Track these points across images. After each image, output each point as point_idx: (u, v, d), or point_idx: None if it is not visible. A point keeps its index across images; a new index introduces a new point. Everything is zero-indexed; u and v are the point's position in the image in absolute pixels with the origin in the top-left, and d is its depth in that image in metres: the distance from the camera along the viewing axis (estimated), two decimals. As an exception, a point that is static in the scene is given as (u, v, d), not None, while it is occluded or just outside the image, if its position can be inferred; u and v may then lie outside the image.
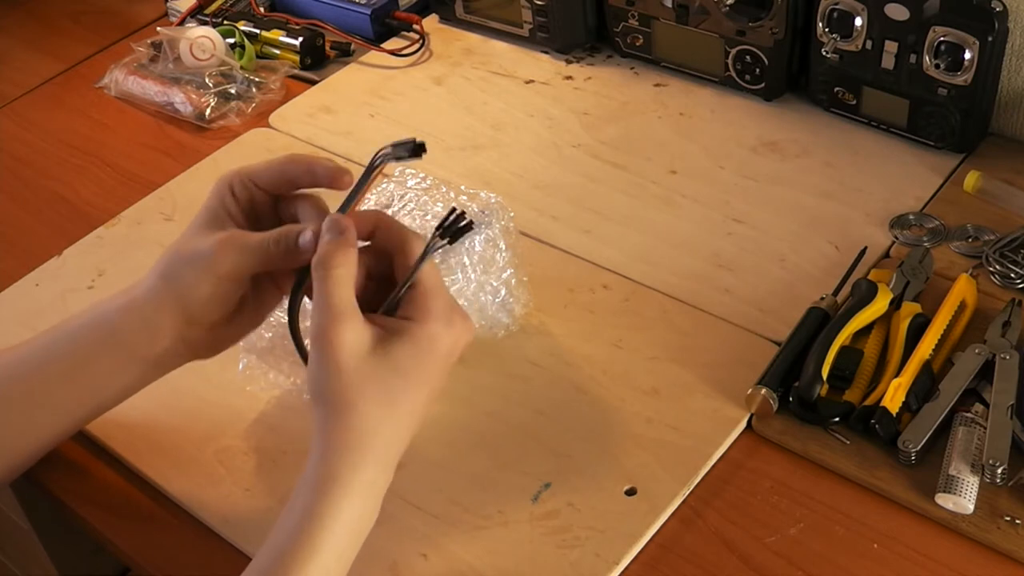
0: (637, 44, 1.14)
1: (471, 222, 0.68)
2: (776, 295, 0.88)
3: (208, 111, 1.15)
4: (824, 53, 1.01)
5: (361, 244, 0.69)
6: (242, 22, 1.24)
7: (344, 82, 1.20)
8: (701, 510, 0.74)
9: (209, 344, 0.74)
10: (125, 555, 0.77)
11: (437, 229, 0.68)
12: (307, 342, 0.67)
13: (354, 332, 0.65)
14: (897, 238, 0.92)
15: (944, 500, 0.71)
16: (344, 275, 0.66)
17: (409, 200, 0.84)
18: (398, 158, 0.68)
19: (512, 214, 0.82)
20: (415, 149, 0.67)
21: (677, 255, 0.93)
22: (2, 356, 0.75)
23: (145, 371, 0.74)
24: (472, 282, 0.79)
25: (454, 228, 0.68)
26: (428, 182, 0.85)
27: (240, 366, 0.81)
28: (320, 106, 1.16)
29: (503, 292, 0.83)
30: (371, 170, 0.69)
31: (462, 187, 0.84)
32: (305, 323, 0.68)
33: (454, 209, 0.69)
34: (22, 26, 1.40)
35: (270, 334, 0.79)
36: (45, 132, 1.19)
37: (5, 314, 0.95)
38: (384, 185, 0.86)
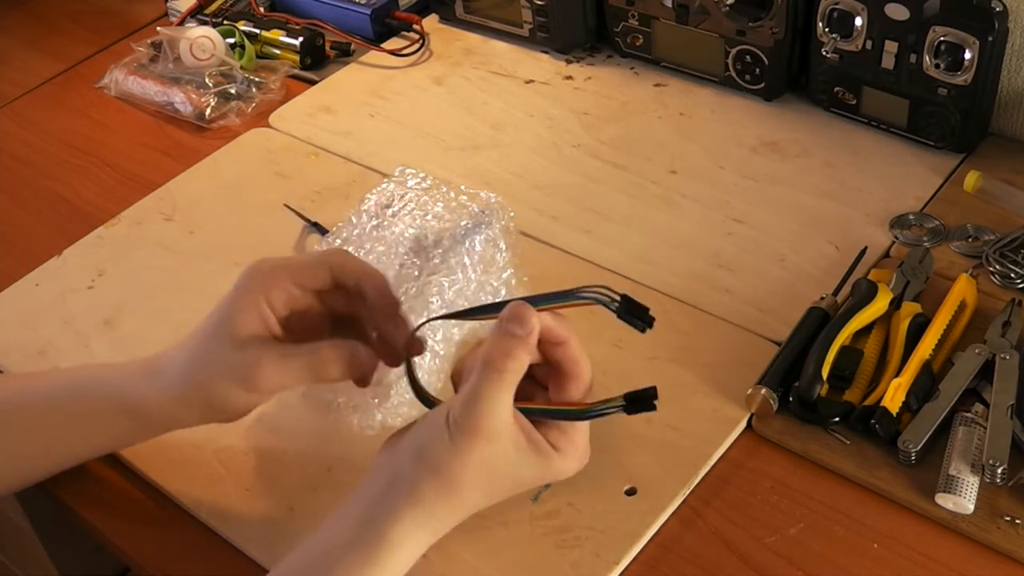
0: (637, 44, 1.14)
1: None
2: (776, 295, 0.88)
3: (208, 111, 1.15)
4: (824, 53, 1.01)
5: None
6: (242, 22, 1.24)
7: (344, 82, 1.20)
8: (701, 510, 0.74)
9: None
10: (125, 555, 0.77)
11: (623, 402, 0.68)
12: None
13: (500, 436, 0.65)
14: (897, 238, 0.92)
15: (944, 500, 0.71)
16: (513, 380, 0.64)
17: (409, 200, 0.84)
18: (620, 316, 0.69)
19: (512, 214, 0.82)
20: (640, 325, 0.69)
21: (677, 255, 0.93)
22: (20, 381, 0.77)
23: (152, 435, 0.76)
24: (472, 282, 0.79)
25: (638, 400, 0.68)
26: (428, 182, 0.85)
27: None
28: (320, 106, 1.16)
29: (503, 292, 0.83)
30: (573, 296, 0.68)
31: (462, 187, 0.84)
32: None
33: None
34: (22, 26, 1.40)
35: None
36: (45, 132, 1.19)
37: (5, 314, 0.95)
38: (384, 185, 0.86)
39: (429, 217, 0.82)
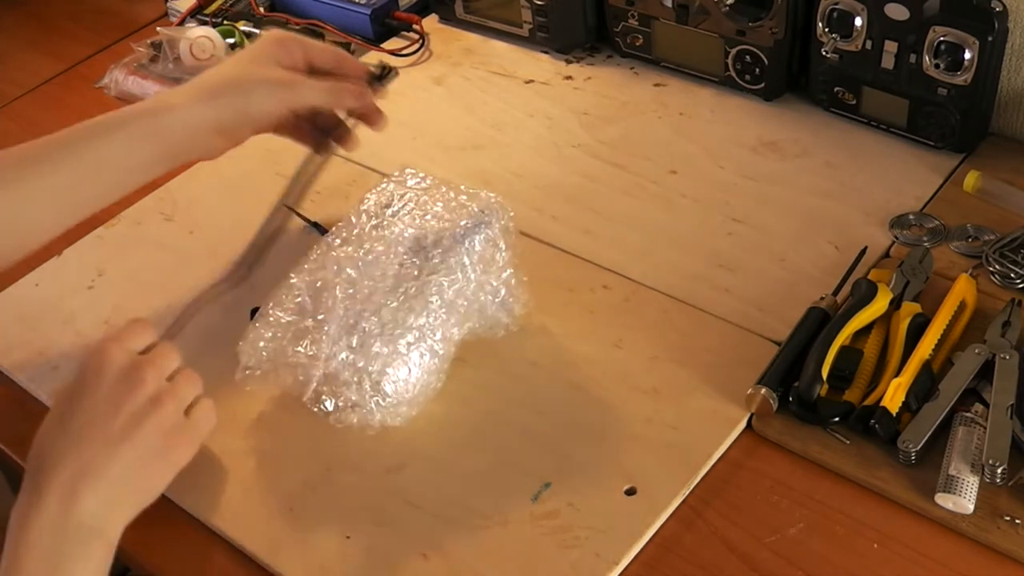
0: (637, 44, 1.14)
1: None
2: (776, 295, 0.88)
3: (208, 111, 1.15)
4: (824, 53, 1.01)
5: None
6: (242, 22, 1.24)
7: (344, 82, 1.20)
8: (701, 510, 0.74)
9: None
10: (125, 555, 0.77)
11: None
12: None
13: None
14: (897, 238, 0.92)
15: (944, 500, 0.71)
16: None
17: (409, 200, 0.84)
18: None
19: (512, 214, 0.82)
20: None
21: (677, 255, 0.93)
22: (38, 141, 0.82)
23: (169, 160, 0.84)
24: (472, 282, 0.79)
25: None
26: (428, 182, 0.85)
27: (239, 365, 0.81)
28: (320, 106, 1.16)
29: (503, 292, 0.83)
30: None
31: (462, 187, 0.84)
32: None
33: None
34: (22, 26, 1.40)
35: (269, 334, 0.79)
36: (45, 132, 1.18)
37: (5, 314, 0.95)
38: (383, 185, 0.86)
39: (429, 217, 0.82)
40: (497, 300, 0.83)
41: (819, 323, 0.82)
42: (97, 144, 0.78)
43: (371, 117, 0.88)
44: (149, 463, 0.69)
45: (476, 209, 0.82)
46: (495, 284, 0.82)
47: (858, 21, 0.98)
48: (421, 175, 0.86)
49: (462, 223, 0.80)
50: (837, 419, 0.77)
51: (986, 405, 0.75)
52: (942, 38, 0.94)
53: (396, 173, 0.87)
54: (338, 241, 0.82)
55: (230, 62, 0.86)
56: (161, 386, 0.70)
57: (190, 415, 0.71)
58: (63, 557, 0.64)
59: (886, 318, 0.82)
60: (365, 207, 0.84)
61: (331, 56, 0.88)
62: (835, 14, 0.99)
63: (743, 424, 0.79)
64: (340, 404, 0.76)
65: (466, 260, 0.79)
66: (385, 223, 0.82)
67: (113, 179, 0.80)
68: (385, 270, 0.78)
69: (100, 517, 0.66)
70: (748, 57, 1.06)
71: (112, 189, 0.81)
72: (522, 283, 0.84)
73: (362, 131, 1.08)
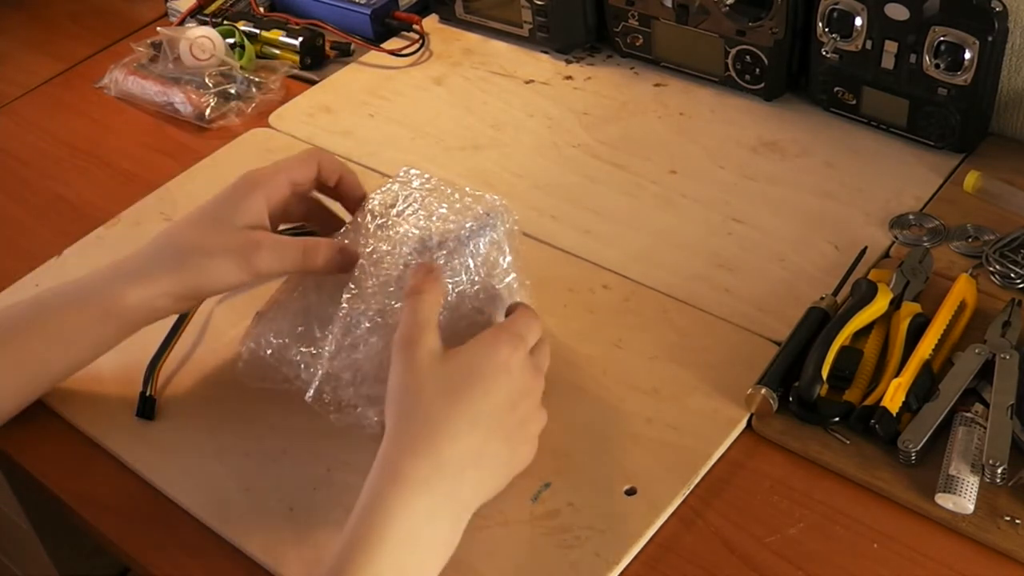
0: (637, 44, 1.14)
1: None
2: (776, 295, 0.88)
3: (208, 111, 1.15)
4: (824, 53, 1.01)
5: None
6: (242, 22, 1.24)
7: (344, 82, 1.20)
8: (701, 510, 0.74)
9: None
10: (125, 555, 0.77)
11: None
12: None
13: (433, 340, 0.70)
14: (897, 238, 0.92)
15: (944, 500, 0.71)
16: (432, 301, 0.72)
17: (413, 200, 0.84)
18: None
19: (516, 217, 0.82)
20: None
21: (677, 255, 0.93)
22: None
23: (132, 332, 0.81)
24: (476, 284, 0.79)
25: None
26: (432, 183, 0.85)
27: (241, 364, 0.81)
28: (320, 106, 1.16)
29: (505, 296, 0.82)
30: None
31: (467, 188, 0.84)
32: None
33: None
34: (22, 26, 1.40)
35: (272, 332, 0.79)
36: (45, 132, 1.19)
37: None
38: (388, 185, 0.86)
39: (434, 218, 0.82)
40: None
41: (819, 323, 0.82)
42: (60, 319, 0.79)
43: (345, 264, 0.80)
44: (515, 462, 0.73)
45: (481, 211, 0.81)
46: (498, 287, 0.81)
47: (858, 21, 0.98)
48: (426, 176, 0.86)
49: (467, 225, 0.80)
50: (837, 419, 0.77)
51: (986, 405, 0.75)
52: (942, 38, 0.94)
53: (400, 173, 0.87)
54: (347, 241, 0.82)
55: (192, 221, 0.80)
56: (540, 392, 0.74)
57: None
58: (430, 535, 0.67)
59: (886, 318, 0.82)
60: (370, 207, 0.84)
61: (311, 168, 0.83)
62: (835, 14, 0.99)
63: (743, 424, 0.79)
64: (343, 404, 0.76)
65: (470, 263, 0.79)
66: (390, 223, 0.82)
67: (76, 354, 0.81)
68: (390, 270, 0.78)
69: (468, 503, 0.70)
70: (748, 57, 1.07)
71: (76, 362, 0.81)
72: (524, 286, 0.83)
73: (363, 131, 1.08)
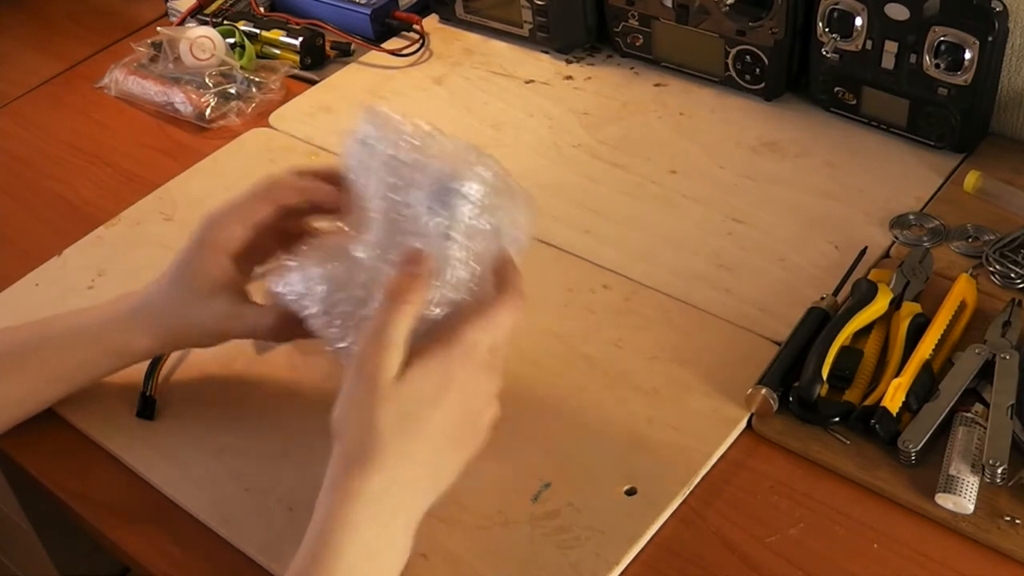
0: (637, 44, 1.14)
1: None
2: (776, 295, 0.88)
3: (208, 111, 1.15)
4: (824, 53, 1.01)
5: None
6: (242, 22, 1.24)
7: (344, 82, 1.20)
8: (701, 510, 0.74)
9: None
10: (125, 555, 0.77)
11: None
12: None
13: (396, 359, 0.66)
14: (897, 238, 0.92)
15: (944, 500, 0.71)
16: (412, 312, 0.66)
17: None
18: None
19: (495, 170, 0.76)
20: None
21: (677, 255, 0.93)
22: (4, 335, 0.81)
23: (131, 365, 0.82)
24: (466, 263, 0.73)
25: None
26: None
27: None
28: (320, 106, 1.16)
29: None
30: None
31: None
32: None
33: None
34: (22, 26, 1.40)
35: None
36: (45, 132, 1.19)
37: (5, 314, 0.94)
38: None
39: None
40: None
41: (819, 323, 0.82)
42: (64, 356, 0.80)
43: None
44: (466, 457, 0.70)
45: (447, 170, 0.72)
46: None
47: (858, 21, 0.98)
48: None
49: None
50: (837, 419, 0.77)
51: (986, 405, 0.75)
52: (942, 38, 0.94)
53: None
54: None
55: (172, 284, 0.78)
56: (495, 388, 0.70)
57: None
58: (386, 545, 0.65)
59: (886, 318, 0.82)
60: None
61: (266, 206, 0.77)
62: (835, 14, 0.99)
63: (743, 424, 0.79)
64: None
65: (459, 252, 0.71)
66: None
67: (73, 387, 0.82)
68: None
69: (420, 509, 0.67)
70: (748, 57, 1.07)
71: (71, 392, 0.83)
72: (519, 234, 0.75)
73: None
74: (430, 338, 0.67)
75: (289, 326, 0.75)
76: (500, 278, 0.70)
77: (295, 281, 0.73)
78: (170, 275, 0.78)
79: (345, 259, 0.72)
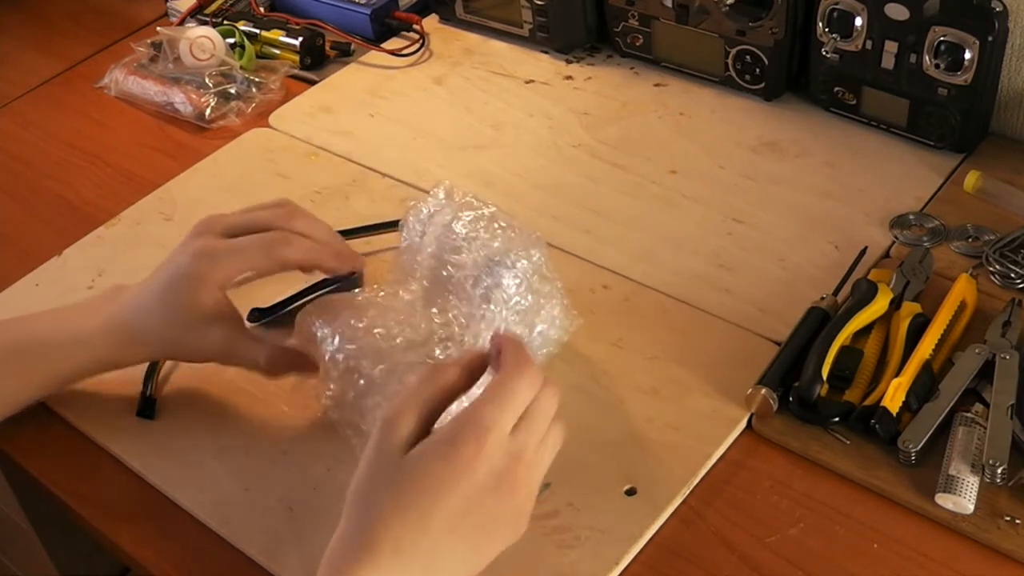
0: (637, 44, 1.14)
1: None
2: (776, 295, 0.88)
3: (208, 111, 1.15)
4: (824, 53, 1.01)
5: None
6: (242, 22, 1.24)
7: (344, 82, 1.20)
8: (701, 510, 0.74)
9: None
10: (125, 555, 0.77)
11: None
12: None
13: (410, 424, 0.63)
14: (897, 238, 0.92)
15: (944, 500, 0.71)
16: (439, 383, 0.64)
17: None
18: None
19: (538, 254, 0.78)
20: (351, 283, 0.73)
21: (677, 255, 0.93)
22: None
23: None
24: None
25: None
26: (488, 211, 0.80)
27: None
28: (320, 106, 1.16)
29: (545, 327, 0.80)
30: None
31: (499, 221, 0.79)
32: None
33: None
34: (22, 26, 1.40)
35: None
36: (45, 132, 1.19)
37: (5, 314, 0.94)
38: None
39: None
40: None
41: (819, 323, 0.82)
42: (42, 362, 0.79)
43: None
44: (484, 551, 0.65)
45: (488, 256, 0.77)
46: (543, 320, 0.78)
47: (858, 21, 0.98)
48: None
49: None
50: (837, 419, 0.77)
51: (986, 405, 0.75)
52: (942, 38, 0.94)
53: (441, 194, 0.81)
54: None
55: (162, 306, 0.77)
56: (533, 481, 0.65)
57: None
58: None
59: (886, 318, 0.82)
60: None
61: (268, 263, 0.78)
62: (835, 14, 0.99)
63: (743, 424, 0.79)
64: (365, 431, 0.73)
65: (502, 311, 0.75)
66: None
67: (50, 389, 0.82)
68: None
69: None
70: (748, 57, 1.07)
71: (47, 395, 0.82)
72: (564, 308, 0.80)
73: (363, 131, 1.08)
74: (449, 421, 0.64)
75: (282, 363, 0.77)
76: (498, 352, 0.66)
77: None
78: (159, 295, 0.77)
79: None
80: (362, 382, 0.71)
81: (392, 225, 0.78)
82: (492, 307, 0.73)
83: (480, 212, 0.77)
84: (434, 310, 0.74)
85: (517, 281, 0.74)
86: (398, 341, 0.73)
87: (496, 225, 0.77)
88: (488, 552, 0.65)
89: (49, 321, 0.81)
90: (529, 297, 0.75)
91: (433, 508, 0.61)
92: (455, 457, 0.61)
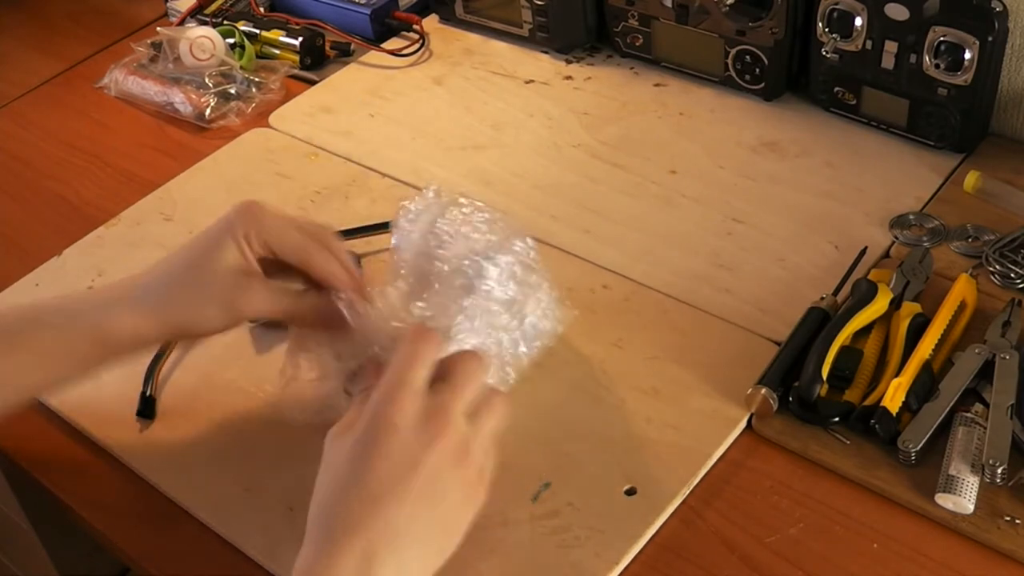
0: (637, 44, 1.14)
1: None
2: (776, 295, 0.88)
3: (208, 111, 1.15)
4: (824, 53, 1.01)
5: None
6: (242, 22, 1.24)
7: (344, 82, 1.20)
8: (701, 510, 0.74)
9: None
10: (125, 555, 0.77)
11: None
12: None
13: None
14: (897, 238, 0.92)
15: (944, 500, 0.71)
16: (424, 359, 0.65)
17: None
18: None
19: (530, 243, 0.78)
20: None
21: (677, 255, 0.93)
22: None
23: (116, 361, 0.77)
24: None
25: None
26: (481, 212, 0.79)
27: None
28: (320, 106, 1.16)
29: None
30: None
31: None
32: None
33: None
34: (22, 26, 1.40)
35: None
36: (45, 132, 1.19)
37: (5, 314, 0.95)
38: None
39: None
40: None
41: (819, 323, 0.82)
42: (45, 336, 0.76)
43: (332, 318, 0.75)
44: (449, 519, 0.64)
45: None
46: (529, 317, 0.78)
47: (858, 21, 0.98)
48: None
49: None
50: (837, 419, 0.77)
51: (986, 405, 0.75)
52: (942, 38, 0.94)
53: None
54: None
55: (184, 258, 0.75)
56: (462, 433, 0.64)
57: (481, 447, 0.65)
58: None
59: (886, 318, 0.82)
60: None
61: (295, 254, 0.76)
62: (835, 14, 0.99)
63: (743, 424, 0.79)
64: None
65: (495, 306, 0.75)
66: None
67: (57, 372, 0.77)
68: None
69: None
70: (748, 57, 1.07)
71: (56, 380, 0.78)
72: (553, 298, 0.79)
73: (363, 131, 1.08)
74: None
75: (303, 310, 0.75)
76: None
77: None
78: (184, 255, 0.75)
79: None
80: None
81: (387, 226, 0.78)
82: (473, 298, 0.73)
83: (466, 208, 0.78)
84: (420, 303, 0.74)
85: (498, 271, 0.74)
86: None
87: (480, 217, 0.77)
88: (448, 524, 0.64)
89: (59, 299, 0.79)
90: (513, 287, 0.75)
91: (365, 483, 0.62)
92: (375, 425, 0.63)
